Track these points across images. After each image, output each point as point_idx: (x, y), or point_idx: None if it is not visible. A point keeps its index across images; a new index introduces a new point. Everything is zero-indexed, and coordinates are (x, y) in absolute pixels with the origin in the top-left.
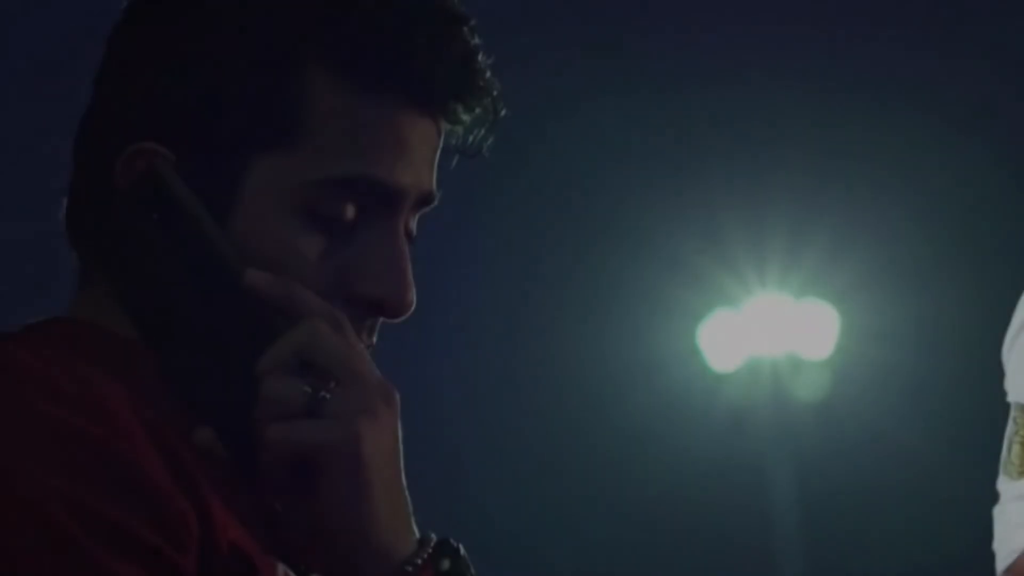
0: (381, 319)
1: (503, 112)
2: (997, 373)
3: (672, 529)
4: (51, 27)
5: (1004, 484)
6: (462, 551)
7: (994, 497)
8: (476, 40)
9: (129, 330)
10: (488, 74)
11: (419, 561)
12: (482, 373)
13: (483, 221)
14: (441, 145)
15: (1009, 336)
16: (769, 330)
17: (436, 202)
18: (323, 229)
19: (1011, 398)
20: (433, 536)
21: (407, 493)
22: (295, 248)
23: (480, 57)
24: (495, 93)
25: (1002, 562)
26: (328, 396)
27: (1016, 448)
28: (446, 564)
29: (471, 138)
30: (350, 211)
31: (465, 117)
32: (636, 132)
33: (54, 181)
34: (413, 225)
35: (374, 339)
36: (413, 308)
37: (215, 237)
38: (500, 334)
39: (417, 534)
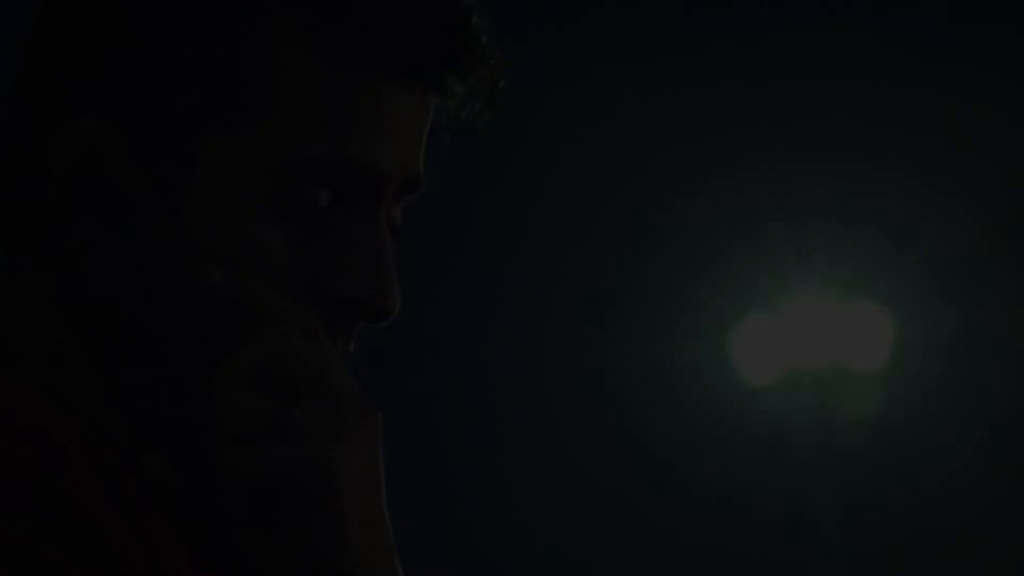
0: (360, 324)
1: (502, 84)
2: None
3: (701, 563)
4: None
5: None
6: None
7: None
8: None
9: (64, 336)
10: (485, 39)
11: None
12: (481, 386)
13: (479, 211)
14: (430, 121)
15: None
16: (812, 338)
17: (425, 188)
18: (292, 219)
19: None
20: None
21: (390, 526)
22: (260, 242)
23: (475, 19)
24: (493, 61)
25: None
26: (297, 414)
27: None
28: None
29: (465, 114)
30: (324, 198)
31: (458, 89)
32: (659, 110)
33: None
34: (398, 215)
35: (352, 347)
36: (398, 312)
37: (165, 229)
38: (501, 342)
39: (401, 574)
